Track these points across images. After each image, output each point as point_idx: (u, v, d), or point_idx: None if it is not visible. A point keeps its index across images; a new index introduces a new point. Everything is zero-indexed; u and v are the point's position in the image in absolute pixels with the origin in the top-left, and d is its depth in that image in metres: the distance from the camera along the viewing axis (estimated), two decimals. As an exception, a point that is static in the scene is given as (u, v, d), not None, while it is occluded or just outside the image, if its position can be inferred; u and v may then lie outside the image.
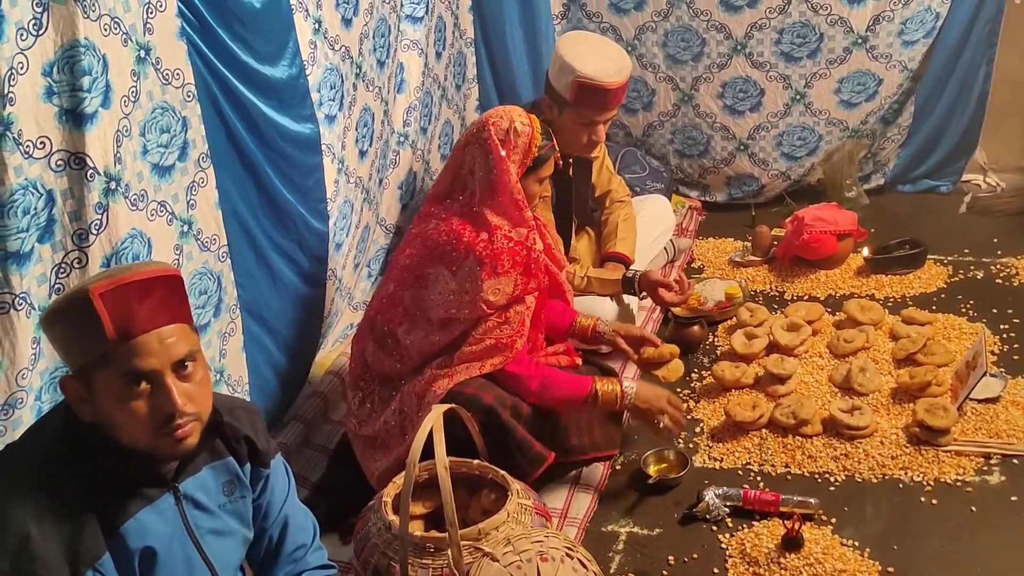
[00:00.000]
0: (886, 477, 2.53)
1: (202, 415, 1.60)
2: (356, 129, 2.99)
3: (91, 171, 1.87)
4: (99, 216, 1.91)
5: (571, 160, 3.22)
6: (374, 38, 3.05)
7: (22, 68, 1.69)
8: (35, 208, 1.77)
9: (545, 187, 2.63)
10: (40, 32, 1.73)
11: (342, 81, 2.84)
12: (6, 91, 1.66)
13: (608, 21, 4.09)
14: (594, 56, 2.97)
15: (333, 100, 2.79)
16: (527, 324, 2.52)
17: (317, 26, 2.69)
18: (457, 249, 2.44)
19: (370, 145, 3.11)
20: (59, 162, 1.82)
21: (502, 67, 4.09)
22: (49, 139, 1.78)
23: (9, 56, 1.66)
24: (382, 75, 3.15)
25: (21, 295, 1.76)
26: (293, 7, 2.55)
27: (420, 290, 2.49)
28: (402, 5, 3.28)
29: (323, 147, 2.75)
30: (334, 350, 3.17)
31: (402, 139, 3.40)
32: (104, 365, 1.49)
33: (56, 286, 1.85)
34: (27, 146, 1.73)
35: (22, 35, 1.69)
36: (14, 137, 1.70)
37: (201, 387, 1.59)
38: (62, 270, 1.86)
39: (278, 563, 1.87)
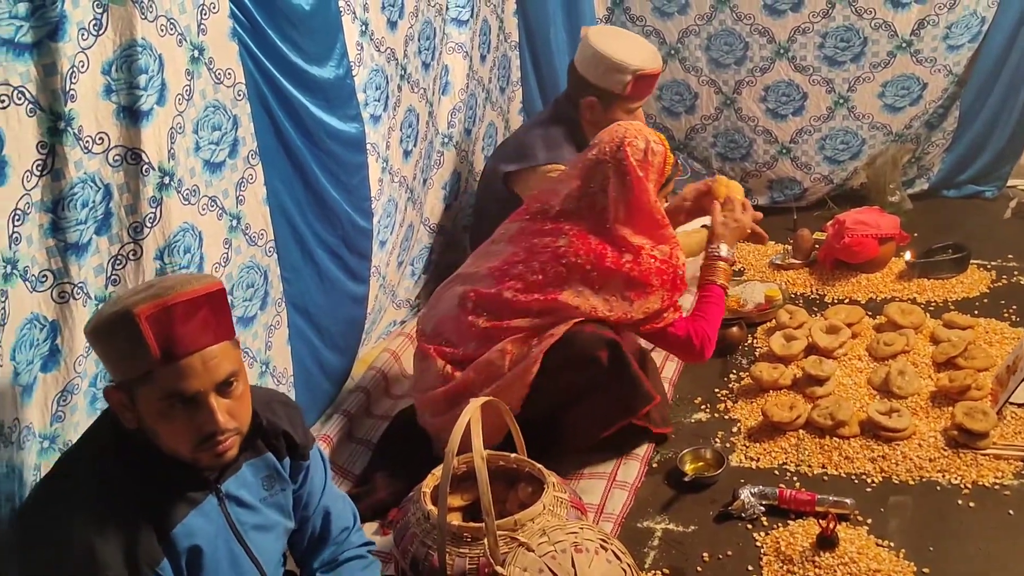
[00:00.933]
0: (923, 479, 2.52)
1: (242, 428, 1.64)
2: (401, 129, 3.05)
3: (146, 166, 1.94)
4: (153, 210, 1.98)
5: None
6: (419, 40, 3.12)
7: (83, 67, 1.77)
8: (93, 201, 1.84)
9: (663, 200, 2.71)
10: (100, 32, 1.80)
11: (387, 82, 2.90)
12: (68, 88, 1.73)
13: (652, 24, 4.12)
14: (633, 49, 3.18)
15: (378, 100, 2.86)
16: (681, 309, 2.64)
17: (364, 28, 2.75)
18: (598, 268, 2.50)
19: (414, 145, 3.17)
20: (116, 157, 1.89)
21: (546, 70, 4.14)
22: (107, 135, 1.86)
23: (71, 55, 1.73)
24: (427, 77, 3.21)
25: (79, 284, 1.83)
26: (341, 9, 2.62)
27: (549, 305, 2.51)
28: (447, 8, 3.35)
29: (368, 146, 2.81)
30: (377, 346, 3.23)
31: (446, 140, 3.46)
32: (147, 383, 1.53)
33: (112, 277, 1.93)
34: (87, 141, 1.80)
35: (83, 35, 1.76)
36: (75, 133, 1.77)
37: (242, 402, 1.63)
38: (118, 261, 1.94)
39: (325, 547, 1.93)
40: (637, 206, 2.53)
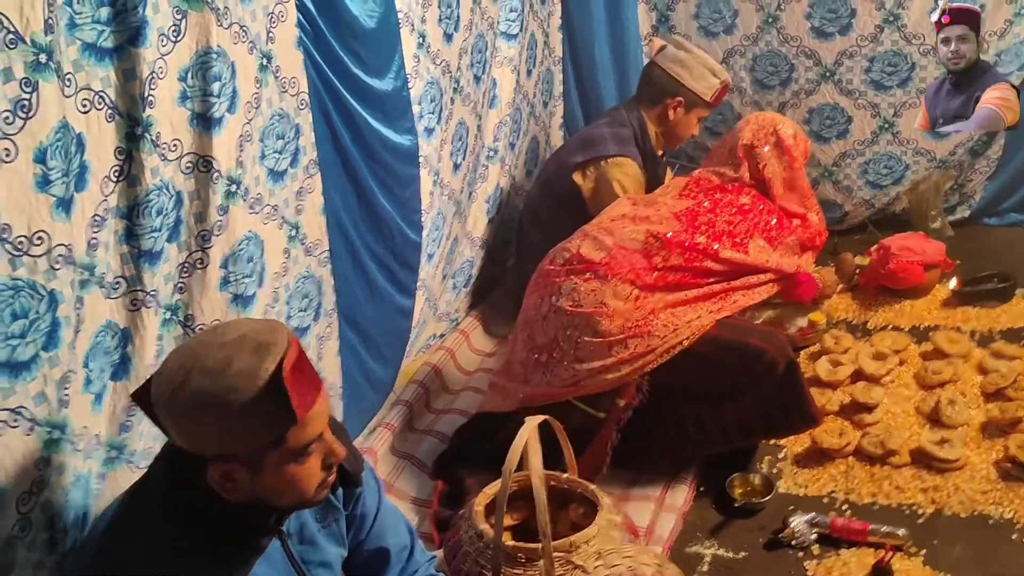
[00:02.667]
0: (976, 512, 2.49)
1: None
2: (452, 142, 3.04)
3: (216, 174, 1.93)
4: (221, 218, 1.97)
5: (664, 156, 3.57)
6: (472, 53, 3.11)
7: (162, 72, 1.76)
8: (167, 208, 1.83)
9: None
10: (178, 38, 1.80)
11: (441, 95, 2.90)
12: (146, 94, 1.73)
13: (696, 43, 4.09)
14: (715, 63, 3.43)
15: (432, 113, 2.85)
16: None
17: (421, 40, 2.75)
18: (778, 227, 2.83)
19: (463, 159, 3.16)
20: (188, 164, 1.88)
21: (589, 86, 4.13)
22: (181, 141, 1.85)
23: (151, 60, 1.73)
24: (477, 90, 3.20)
25: (151, 292, 1.83)
26: (400, 21, 2.61)
27: (739, 257, 2.72)
28: (498, 22, 3.34)
29: (420, 159, 2.80)
30: (418, 359, 3.20)
31: (491, 154, 3.45)
32: (276, 447, 1.46)
33: (179, 285, 1.92)
34: (163, 148, 1.80)
35: (163, 41, 1.76)
36: (152, 139, 1.76)
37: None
38: (184, 270, 1.93)
39: (389, 566, 1.89)
40: (793, 180, 2.92)
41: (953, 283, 3.56)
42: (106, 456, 1.79)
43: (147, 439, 1.91)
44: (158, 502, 1.53)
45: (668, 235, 2.66)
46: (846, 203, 4.17)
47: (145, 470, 1.84)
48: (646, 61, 4.14)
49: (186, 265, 1.93)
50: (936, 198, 4.02)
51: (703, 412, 2.61)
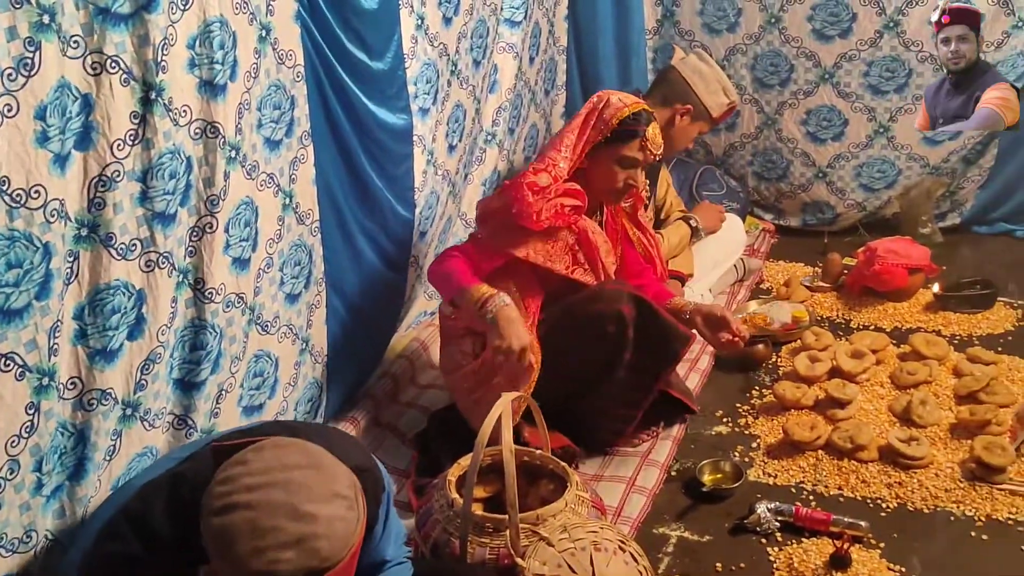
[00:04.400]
0: (938, 509, 2.55)
1: None
2: (447, 124, 3.10)
3: (222, 140, 1.99)
4: (225, 183, 2.03)
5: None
6: (472, 38, 3.16)
7: (172, 39, 1.82)
8: (179, 172, 1.89)
9: (630, 176, 2.74)
10: (187, 7, 1.85)
11: (437, 76, 2.95)
12: (160, 60, 1.78)
13: (700, 40, 4.16)
14: None
15: (428, 94, 2.90)
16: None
17: (419, 22, 2.80)
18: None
19: (459, 140, 3.22)
20: (197, 130, 1.94)
21: (591, 75, 4.19)
22: (190, 107, 1.90)
23: (163, 27, 1.78)
24: (477, 74, 3.25)
25: (165, 254, 1.89)
26: (400, 2, 2.66)
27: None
28: (502, 8, 3.39)
29: (415, 138, 2.86)
30: (407, 335, 3.27)
31: (490, 138, 3.51)
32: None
33: (190, 248, 1.99)
34: (175, 113, 1.86)
35: (173, 8, 1.81)
36: (165, 104, 1.82)
37: None
38: (195, 233, 1.99)
39: (382, 572, 1.89)
40: (560, 134, 2.71)
41: (936, 288, 3.63)
42: (121, 414, 1.86)
43: (162, 399, 1.98)
44: (185, 491, 1.59)
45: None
46: (838, 205, 4.23)
47: (159, 429, 1.97)
48: (650, 55, 4.23)
49: (196, 229, 1.99)
50: (927, 204, 4.08)
51: (606, 391, 2.69)
